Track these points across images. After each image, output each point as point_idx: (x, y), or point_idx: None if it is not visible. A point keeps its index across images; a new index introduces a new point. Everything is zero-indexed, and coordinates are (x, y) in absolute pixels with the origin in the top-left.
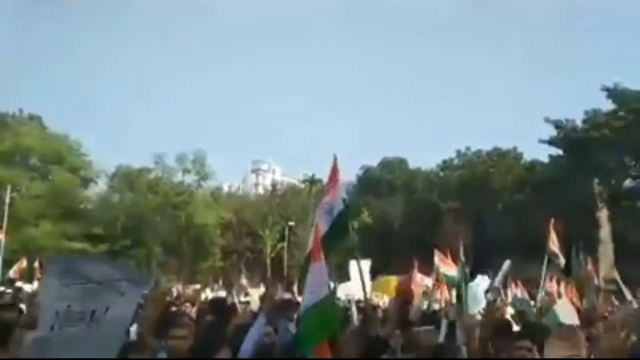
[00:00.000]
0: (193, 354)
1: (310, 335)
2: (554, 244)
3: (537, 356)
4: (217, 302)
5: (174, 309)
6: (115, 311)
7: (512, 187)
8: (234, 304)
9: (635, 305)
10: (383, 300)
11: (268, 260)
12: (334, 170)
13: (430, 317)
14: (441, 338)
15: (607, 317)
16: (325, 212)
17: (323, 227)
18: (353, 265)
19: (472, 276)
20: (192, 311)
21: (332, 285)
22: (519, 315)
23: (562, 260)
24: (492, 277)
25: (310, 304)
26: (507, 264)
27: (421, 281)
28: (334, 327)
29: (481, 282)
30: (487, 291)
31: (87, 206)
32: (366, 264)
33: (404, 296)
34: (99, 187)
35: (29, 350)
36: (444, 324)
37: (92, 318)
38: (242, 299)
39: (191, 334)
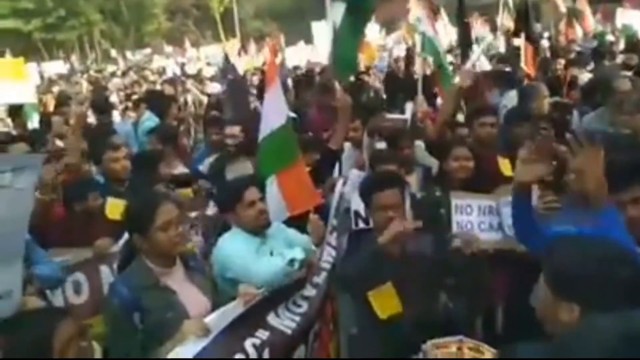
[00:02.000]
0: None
1: (269, 163)
2: None
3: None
4: (153, 96)
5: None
6: (5, 209)
7: None
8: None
9: None
10: None
11: (217, 16)
12: None
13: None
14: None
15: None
16: None
17: None
18: (316, 26)
19: None
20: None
21: (290, 113)
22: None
23: None
24: None
25: (267, 133)
26: None
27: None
28: (294, 151)
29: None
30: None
31: None
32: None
33: None
34: None
35: None
36: (408, 107)
37: None
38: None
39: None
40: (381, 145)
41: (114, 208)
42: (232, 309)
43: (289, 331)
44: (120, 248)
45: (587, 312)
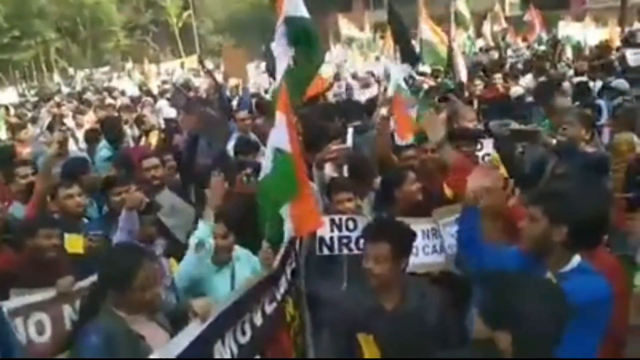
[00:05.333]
0: None
1: (273, 198)
2: None
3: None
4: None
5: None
6: None
7: None
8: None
9: None
10: None
11: (176, 31)
12: None
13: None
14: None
15: None
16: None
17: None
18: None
19: None
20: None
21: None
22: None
23: None
24: None
25: (273, 148)
26: None
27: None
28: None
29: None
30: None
31: None
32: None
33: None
34: None
35: None
36: (349, 131)
37: None
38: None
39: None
40: (333, 173)
41: (73, 242)
42: (190, 331)
43: None
44: (85, 289)
45: (518, 341)
